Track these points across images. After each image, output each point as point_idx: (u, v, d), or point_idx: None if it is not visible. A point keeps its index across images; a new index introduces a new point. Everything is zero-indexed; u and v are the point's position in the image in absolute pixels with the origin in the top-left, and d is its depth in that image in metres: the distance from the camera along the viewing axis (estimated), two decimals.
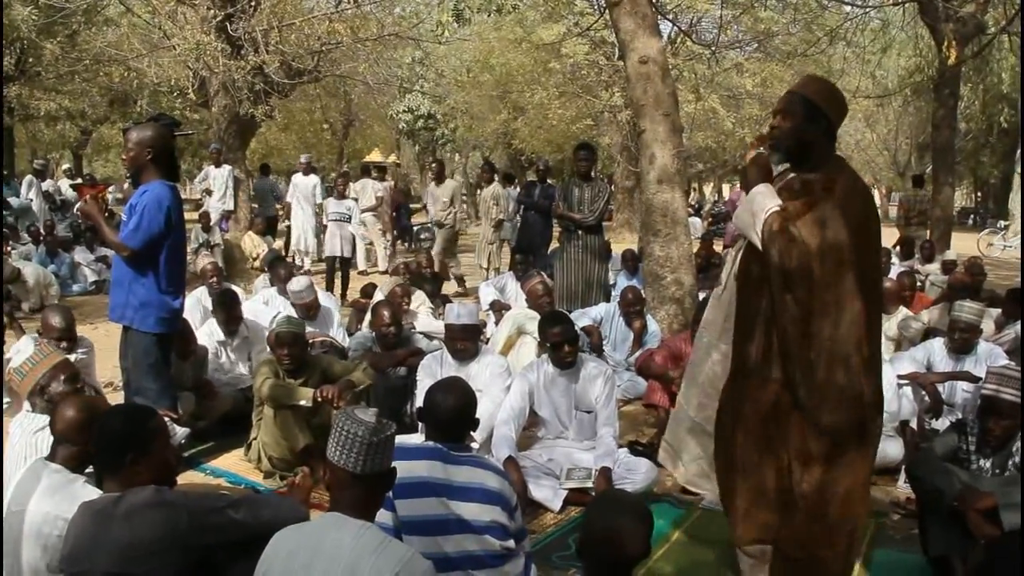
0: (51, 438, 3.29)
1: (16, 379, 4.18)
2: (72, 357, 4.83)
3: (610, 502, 2.71)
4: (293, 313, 6.57)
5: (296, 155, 28.37)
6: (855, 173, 3.35)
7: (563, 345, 5.04)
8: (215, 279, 7.57)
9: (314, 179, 14.84)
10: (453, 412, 3.38)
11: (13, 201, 14.80)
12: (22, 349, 4.33)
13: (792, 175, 3.33)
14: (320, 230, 15.22)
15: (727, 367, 3.45)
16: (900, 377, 5.64)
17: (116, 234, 5.01)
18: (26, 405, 4.28)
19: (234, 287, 7.57)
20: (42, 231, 13.24)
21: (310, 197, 14.36)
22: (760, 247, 3.16)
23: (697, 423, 3.64)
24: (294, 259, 14.22)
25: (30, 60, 16.60)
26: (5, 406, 4.76)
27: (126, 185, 16.37)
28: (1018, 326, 6.58)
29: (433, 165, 14.28)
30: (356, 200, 13.84)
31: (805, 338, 3.12)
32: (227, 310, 6.46)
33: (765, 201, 3.19)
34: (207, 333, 6.47)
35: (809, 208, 3.14)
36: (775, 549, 3.33)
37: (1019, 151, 24.86)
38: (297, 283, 7.06)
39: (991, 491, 3.62)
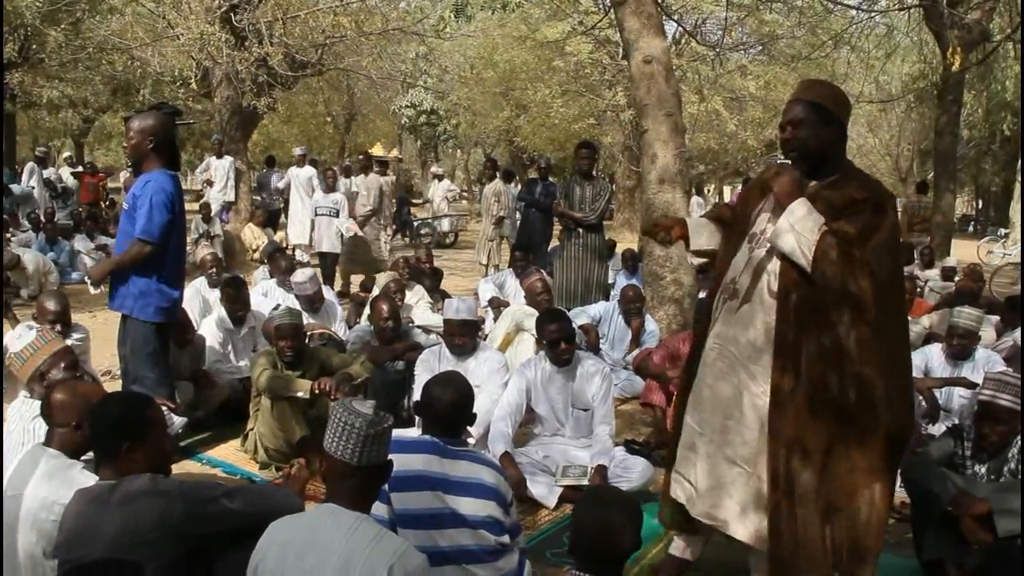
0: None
1: (16, 364, 4.18)
2: (68, 342, 4.83)
3: (598, 498, 2.71)
4: (293, 304, 6.58)
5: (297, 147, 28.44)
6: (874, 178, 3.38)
7: (559, 342, 5.05)
8: (215, 270, 7.57)
9: (310, 171, 14.87)
10: (451, 407, 3.39)
11: (14, 188, 14.81)
12: (22, 335, 4.33)
13: (813, 184, 3.27)
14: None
15: (766, 402, 3.23)
16: None
17: (125, 251, 5.00)
18: (23, 392, 4.29)
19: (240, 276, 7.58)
20: (42, 218, 13.24)
21: (307, 189, 14.37)
22: (808, 268, 3.11)
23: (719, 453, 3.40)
24: (293, 252, 14.22)
25: (33, 47, 16.58)
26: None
27: (124, 174, 16.45)
28: (1016, 333, 6.58)
29: (360, 157, 13.71)
30: (353, 193, 13.80)
31: (870, 355, 3.10)
32: (236, 294, 6.48)
33: (807, 220, 3.14)
34: (214, 321, 6.47)
35: (872, 233, 3.12)
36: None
37: (1020, 160, 24.87)
38: (301, 275, 7.08)
39: (985, 496, 3.63)
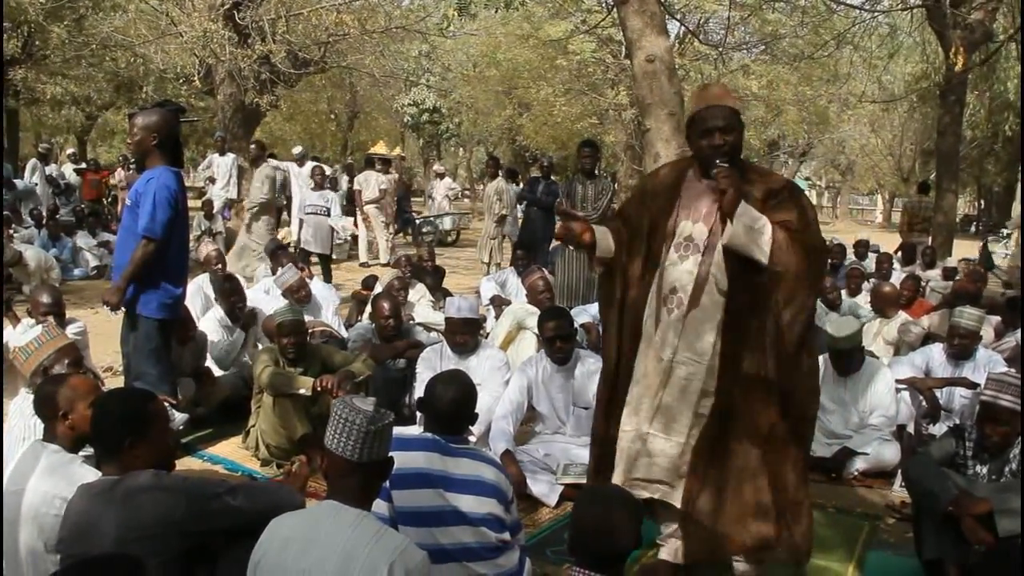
0: None
1: (21, 358, 4.20)
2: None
3: (597, 496, 2.71)
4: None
5: (300, 145, 28.44)
6: None
7: (556, 340, 5.06)
8: (218, 266, 7.58)
9: (311, 167, 14.92)
10: (453, 404, 3.39)
11: (17, 183, 14.82)
12: (27, 330, 4.36)
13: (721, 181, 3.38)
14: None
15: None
16: (898, 381, 5.66)
17: (131, 258, 5.00)
18: (24, 388, 4.31)
19: (236, 275, 7.59)
20: (45, 215, 13.26)
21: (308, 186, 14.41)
22: (767, 260, 3.31)
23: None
24: (296, 249, 14.24)
25: (37, 44, 16.60)
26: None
27: (120, 172, 16.46)
28: (1018, 334, 6.58)
29: (252, 147, 13.05)
30: (347, 190, 13.81)
31: (803, 332, 3.41)
32: (230, 288, 6.52)
33: (755, 216, 3.33)
34: (215, 318, 6.49)
35: (805, 215, 3.42)
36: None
37: (1022, 161, 24.82)
38: (279, 269, 7.23)
39: (986, 496, 3.63)
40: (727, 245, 3.37)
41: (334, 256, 15.39)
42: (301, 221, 12.12)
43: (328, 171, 15.21)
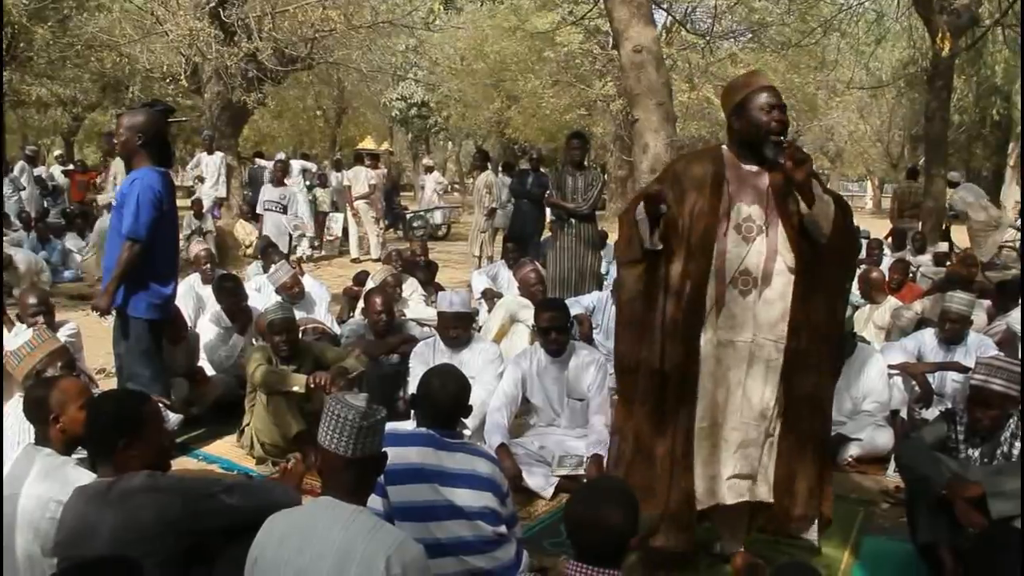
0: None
1: (12, 362, 4.20)
2: (62, 338, 4.83)
3: (591, 496, 2.70)
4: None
5: (288, 143, 28.37)
6: None
7: (550, 331, 5.07)
8: (208, 266, 7.56)
9: (299, 163, 14.91)
10: (447, 399, 3.40)
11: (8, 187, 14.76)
12: (20, 334, 4.35)
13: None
14: (313, 213, 15.24)
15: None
16: (891, 367, 5.68)
17: (117, 262, 4.98)
18: (18, 392, 4.29)
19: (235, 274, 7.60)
20: (34, 217, 13.20)
21: (298, 181, 14.42)
22: (829, 233, 3.48)
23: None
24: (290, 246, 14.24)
25: (21, 45, 16.48)
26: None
27: (111, 172, 16.36)
28: (1008, 318, 6.61)
29: (205, 138, 12.95)
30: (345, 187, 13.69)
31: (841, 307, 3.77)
32: (233, 288, 6.52)
33: (819, 190, 3.47)
34: (210, 319, 6.49)
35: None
36: None
37: (1019, 143, 24.89)
38: (274, 266, 7.24)
39: (979, 480, 3.65)
40: (809, 218, 3.44)
41: (323, 252, 15.41)
42: (260, 216, 11.87)
43: (310, 166, 15.20)
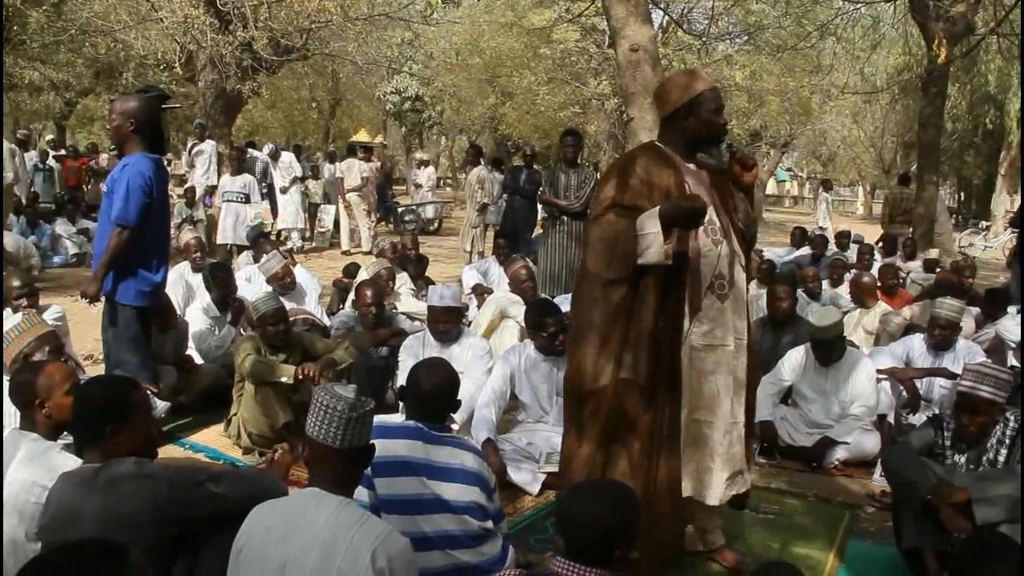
0: None
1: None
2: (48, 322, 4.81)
3: (584, 494, 2.68)
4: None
5: (282, 133, 28.27)
6: None
7: (558, 335, 5.05)
8: (198, 254, 7.54)
9: (289, 155, 14.87)
10: (436, 392, 3.39)
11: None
12: (8, 317, 4.33)
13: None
14: (305, 206, 15.19)
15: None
16: (879, 371, 5.69)
17: (106, 247, 4.95)
18: (6, 376, 4.27)
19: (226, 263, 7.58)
20: (24, 201, 13.13)
21: (286, 172, 14.39)
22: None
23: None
24: (278, 236, 14.19)
25: (15, 29, 16.37)
26: None
27: (103, 157, 16.29)
28: (997, 325, 6.64)
29: (197, 126, 12.67)
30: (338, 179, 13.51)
31: None
32: (224, 278, 6.50)
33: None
34: (200, 308, 6.46)
35: None
36: None
37: (1010, 152, 24.98)
38: (265, 256, 7.21)
39: (964, 485, 3.66)
40: (749, 218, 3.58)
41: (314, 244, 15.37)
42: (219, 208, 11.43)
43: (291, 158, 15.15)
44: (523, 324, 6.47)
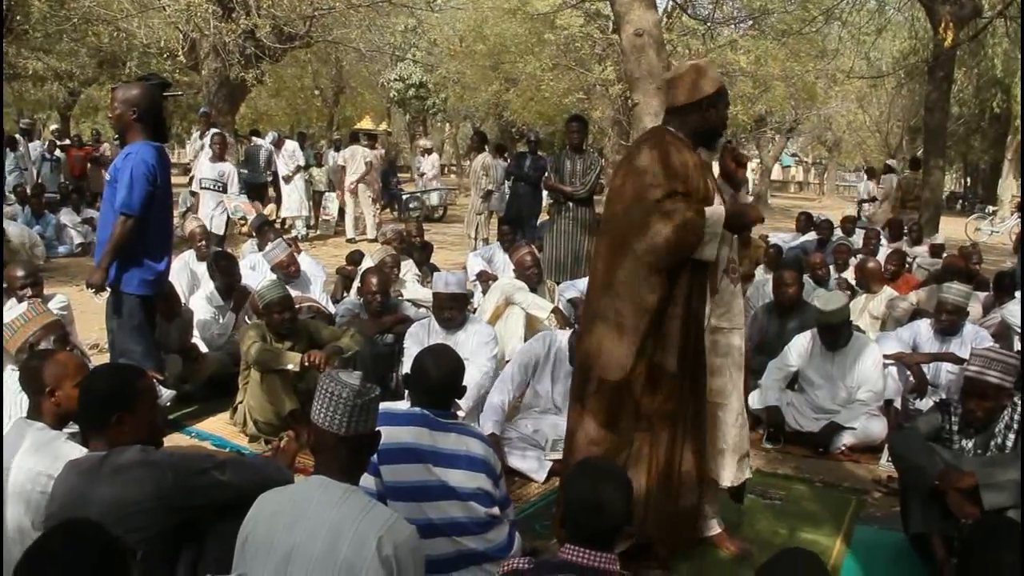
0: None
1: (7, 335, 4.17)
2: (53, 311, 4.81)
3: (587, 471, 2.69)
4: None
5: (286, 121, 28.24)
6: None
7: None
8: (203, 242, 7.53)
9: (292, 143, 14.84)
10: (441, 379, 3.38)
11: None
12: (13, 307, 4.33)
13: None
14: (309, 194, 15.18)
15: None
16: (886, 357, 5.67)
17: (110, 236, 4.94)
18: (10, 365, 4.28)
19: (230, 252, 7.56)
20: (29, 191, 13.13)
21: (289, 160, 14.37)
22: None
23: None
24: (283, 224, 14.18)
25: (18, 19, 16.37)
26: None
27: (105, 146, 16.28)
28: (1003, 309, 6.61)
29: (202, 115, 12.32)
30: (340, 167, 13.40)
31: None
32: (227, 267, 6.50)
33: None
34: (204, 296, 6.47)
35: None
36: None
37: (1017, 136, 24.88)
38: (270, 244, 7.19)
39: (972, 470, 3.65)
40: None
41: (319, 232, 15.36)
42: (196, 194, 11.05)
43: (294, 146, 15.12)
44: (528, 311, 6.48)
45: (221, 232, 10.31)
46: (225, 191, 10.61)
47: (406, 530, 2.47)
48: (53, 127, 22.32)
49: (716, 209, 3.46)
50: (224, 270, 6.49)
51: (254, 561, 2.46)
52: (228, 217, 10.55)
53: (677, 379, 3.51)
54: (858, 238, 10.85)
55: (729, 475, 3.73)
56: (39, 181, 14.76)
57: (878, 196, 16.32)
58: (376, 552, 2.35)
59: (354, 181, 14.34)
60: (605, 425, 3.53)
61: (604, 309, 3.54)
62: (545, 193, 9.39)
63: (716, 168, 3.80)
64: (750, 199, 3.83)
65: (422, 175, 19.20)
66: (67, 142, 18.20)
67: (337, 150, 16.84)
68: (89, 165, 16.50)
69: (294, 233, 13.63)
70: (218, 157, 10.80)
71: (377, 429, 2.63)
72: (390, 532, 2.39)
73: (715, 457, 3.73)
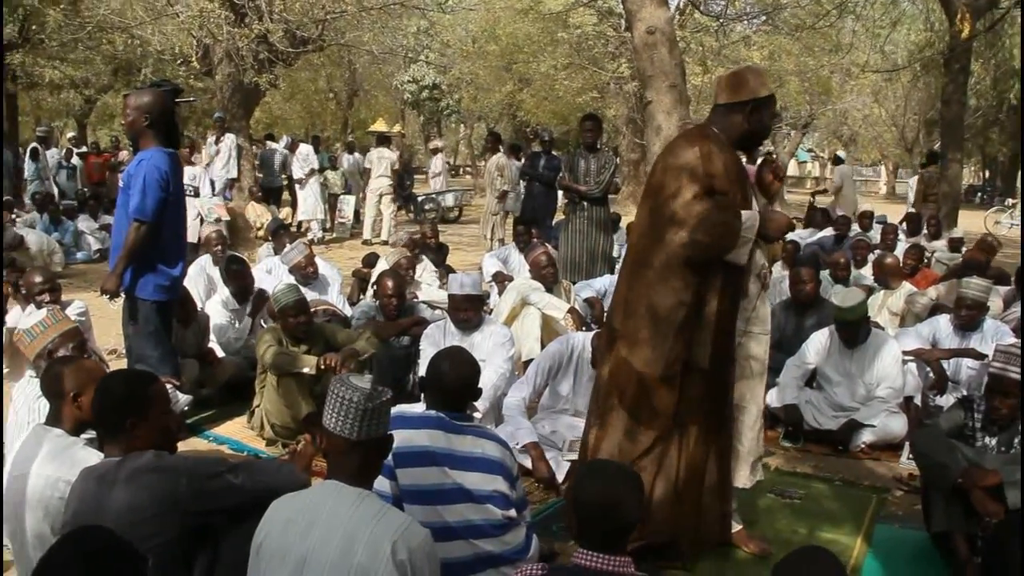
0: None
1: (25, 340, 4.19)
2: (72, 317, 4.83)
3: (597, 472, 2.68)
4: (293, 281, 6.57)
5: (300, 125, 28.35)
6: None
7: None
8: (219, 247, 7.55)
9: (307, 147, 14.87)
10: (457, 381, 3.37)
11: (27, 166, 14.82)
12: (32, 313, 4.35)
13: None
14: (325, 197, 15.22)
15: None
16: (905, 353, 5.62)
17: (124, 242, 4.95)
18: (29, 372, 4.29)
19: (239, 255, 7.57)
20: (46, 198, 13.21)
21: (304, 164, 14.41)
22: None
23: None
24: (299, 228, 14.21)
25: (33, 27, 16.49)
26: (5, 371, 4.76)
27: (124, 153, 16.37)
28: None
29: (217, 120, 12.44)
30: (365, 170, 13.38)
31: None
32: (240, 271, 6.51)
33: None
34: (219, 301, 6.48)
35: None
36: None
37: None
38: (288, 246, 7.23)
39: (995, 468, 3.60)
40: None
41: (335, 235, 15.39)
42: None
43: (308, 149, 15.17)
44: (544, 311, 6.45)
45: (194, 239, 9.62)
46: (197, 195, 10.67)
47: (420, 534, 2.46)
48: (70, 135, 22.46)
49: (752, 213, 3.48)
50: (235, 274, 6.50)
51: (268, 567, 2.46)
52: (202, 217, 10.52)
53: (707, 380, 3.53)
54: (876, 233, 10.78)
55: (743, 477, 3.76)
56: (58, 188, 14.86)
57: (829, 188, 16.40)
58: (390, 557, 2.34)
59: (387, 185, 14.39)
60: (628, 430, 3.57)
61: (636, 304, 3.56)
62: (560, 193, 9.36)
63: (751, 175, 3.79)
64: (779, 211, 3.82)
65: (435, 176, 19.24)
66: (84, 149, 18.33)
67: (351, 153, 16.86)
68: (108, 172, 16.59)
69: (310, 236, 13.67)
70: (186, 160, 10.63)
71: (389, 432, 2.62)
72: (404, 537, 2.38)
73: (731, 458, 3.76)
